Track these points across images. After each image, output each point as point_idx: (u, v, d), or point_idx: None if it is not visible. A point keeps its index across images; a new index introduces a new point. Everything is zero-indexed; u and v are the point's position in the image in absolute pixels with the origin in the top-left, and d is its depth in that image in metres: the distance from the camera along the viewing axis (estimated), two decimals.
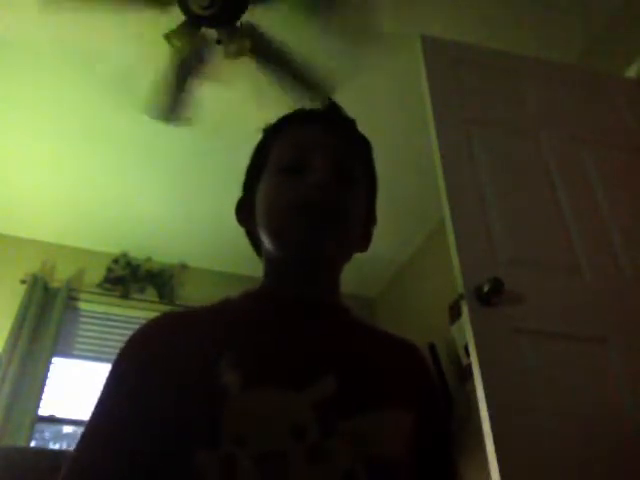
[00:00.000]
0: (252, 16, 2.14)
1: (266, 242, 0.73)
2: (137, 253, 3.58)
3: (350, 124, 0.80)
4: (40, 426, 3.03)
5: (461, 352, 2.69)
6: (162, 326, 0.67)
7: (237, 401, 0.57)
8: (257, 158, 0.80)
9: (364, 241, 0.80)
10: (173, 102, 2.33)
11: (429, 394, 0.74)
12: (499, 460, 1.14)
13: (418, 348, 0.79)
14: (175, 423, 0.57)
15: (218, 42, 2.17)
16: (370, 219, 0.81)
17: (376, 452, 0.59)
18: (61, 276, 3.37)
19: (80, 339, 3.33)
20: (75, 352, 3.29)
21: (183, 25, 2.10)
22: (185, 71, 2.24)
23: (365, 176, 0.79)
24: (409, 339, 0.79)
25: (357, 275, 3.14)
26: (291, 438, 0.55)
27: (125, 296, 3.44)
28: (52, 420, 3.08)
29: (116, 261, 3.54)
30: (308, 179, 0.69)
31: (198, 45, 2.17)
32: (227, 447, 0.54)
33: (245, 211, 0.78)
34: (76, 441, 0.59)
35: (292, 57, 2.17)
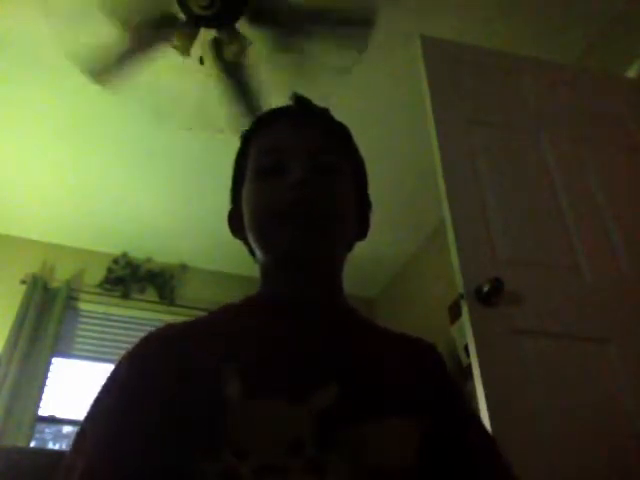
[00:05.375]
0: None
1: (256, 249, 0.73)
2: (137, 253, 3.58)
3: (323, 114, 0.79)
4: (40, 426, 3.03)
5: (461, 352, 2.69)
6: (162, 339, 0.65)
7: (238, 413, 0.56)
8: (238, 166, 0.79)
9: (362, 228, 0.78)
10: (246, 111, 2.30)
11: (446, 395, 0.71)
12: None
13: (434, 347, 0.76)
14: (176, 436, 0.56)
15: (218, 42, 2.17)
16: (364, 204, 0.79)
17: (379, 462, 0.58)
18: (61, 276, 3.37)
19: (80, 339, 3.32)
20: (75, 352, 3.29)
21: (183, 25, 2.10)
22: (238, 78, 2.21)
23: (348, 162, 0.77)
24: (425, 338, 0.76)
25: (357, 275, 3.13)
26: (291, 451, 0.55)
27: (125, 296, 3.44)
28: (52, 420, 3.08)
29: (116, 261, 3.54)
30: (286, 181, 0.68)
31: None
32: (228, 459, 0.54)
33: (236, 221, 0.77)
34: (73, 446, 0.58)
35: (319, 9, 2.11)
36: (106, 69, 2.17)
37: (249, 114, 2.29)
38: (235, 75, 2.22)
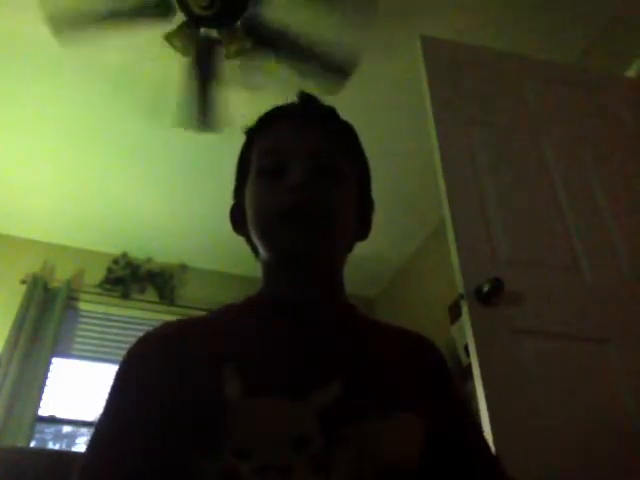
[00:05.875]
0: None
1: (259, 246, 0.73)
2: (137, 253, 3.58)
3: (328, 113, 0.78)
4: (40, 426, 3.03)
5: (461, 352, 2.69)
6: (161, 338, 0.65)
7: (238, 413, 0.56)
8: (241, 163, 0.79)
9: (363, 229, 0.78)
10: (201, 110, 2.29)
11: (446, 394, 0.71)
12: None
13: (434, 344, 0.76)
14: (176, 436, 0.56)
15: (219, 42, 2.16)
16: (366, 205, 0.79)
17: (383, 459, 0.58)
18: (61, 276, 3.37)
19: (80, 339, 3.32)
20: (75, 352, 3.29)
21: (183, 26, 2.10)
22: (203, 76, 2.21)
23: (351, 162, 0.76)
24: (425, 335, 0.76)
25: (357, 275, 3.13)
26: (294, 449, 0.54)
27: (125, 296, 3.44)
28: (52, 420, 3.08)
29: (116, 261, 3.54)
30: (286, 182, 0.68)
31: (202, 47, 2.14)
32: (228, 459, 0.54)
33: (238, 218, 0.77)
34: (78, 446, 0.58)
35: (306, 42, 2.12)
36: (71, 22, 2.06)
37: (203, 115, 2.30)
38: (204, 70, 2.21)
